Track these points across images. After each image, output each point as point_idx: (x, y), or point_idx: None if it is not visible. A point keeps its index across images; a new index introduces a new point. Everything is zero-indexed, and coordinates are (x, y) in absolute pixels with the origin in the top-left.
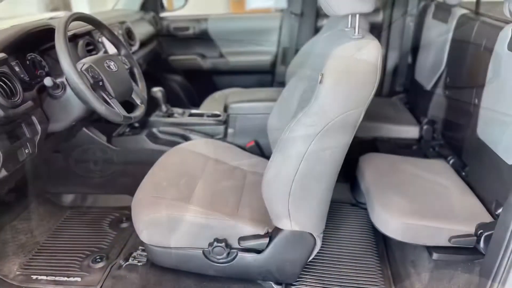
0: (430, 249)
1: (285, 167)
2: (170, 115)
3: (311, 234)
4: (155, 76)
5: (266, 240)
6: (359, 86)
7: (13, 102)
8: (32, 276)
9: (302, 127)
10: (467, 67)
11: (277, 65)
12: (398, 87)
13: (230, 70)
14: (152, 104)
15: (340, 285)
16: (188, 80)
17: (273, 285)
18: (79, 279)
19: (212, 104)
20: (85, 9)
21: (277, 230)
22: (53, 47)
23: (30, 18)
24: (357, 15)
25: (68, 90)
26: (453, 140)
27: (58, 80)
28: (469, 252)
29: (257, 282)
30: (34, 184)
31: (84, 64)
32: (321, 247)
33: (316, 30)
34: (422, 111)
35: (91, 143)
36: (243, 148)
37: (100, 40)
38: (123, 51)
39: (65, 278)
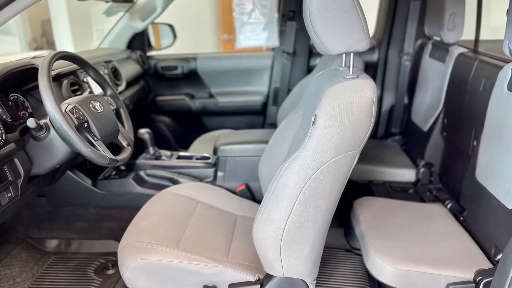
0: None
1: (277, 212)
2: (158, 157)
3: (304, 281)
4: (142, 117)
5: (257, 287)
6: (353, 127)
7: None
8: None
9: (295, 170)
10: (465, 107)
11: (268, 106)
12: (394, 128)
13: (220, 111)
14: (139, 146)
15: None
16: (176, 121)
17: None
18: None
19: (201, 146)
20: (69, 48)
21: (268, 277)
22: (37, 87)
23: (13, 57)
24: (352, 54)
25: (52, 131)
26: (450, 184)
27: (42, 121)
28: None
29: None
30: (17, 229)
31: (68, 105)
32: None
33: (309, 69)
34: (418, 153)
35: (76, 187)
36: (233, 192)
37: (85, 79)
38: (109, 91)
39: None
